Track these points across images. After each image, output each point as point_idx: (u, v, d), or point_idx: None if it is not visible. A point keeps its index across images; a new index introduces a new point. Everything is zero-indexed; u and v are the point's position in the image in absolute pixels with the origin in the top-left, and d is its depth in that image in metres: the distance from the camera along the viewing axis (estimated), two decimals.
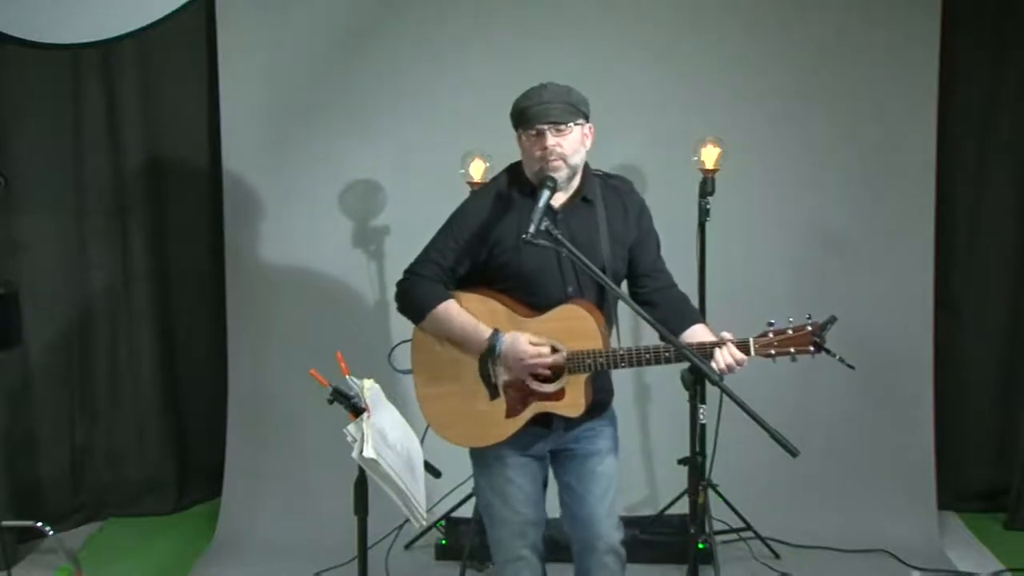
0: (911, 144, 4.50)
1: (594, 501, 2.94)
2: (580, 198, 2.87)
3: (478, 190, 2.99)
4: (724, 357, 2.71)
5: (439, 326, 2.87)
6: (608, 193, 2.91)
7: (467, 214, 2.90)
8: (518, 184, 2.88)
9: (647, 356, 2.75)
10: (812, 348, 2.71)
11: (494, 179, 3.00)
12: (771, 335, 2.73)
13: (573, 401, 2.83)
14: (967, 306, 4.69)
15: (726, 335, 2.75)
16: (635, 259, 2.93)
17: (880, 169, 4.53)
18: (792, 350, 2.72)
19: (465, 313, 2.85)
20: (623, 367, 2.80)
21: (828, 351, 2.71)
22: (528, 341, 2.80)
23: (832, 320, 2.71)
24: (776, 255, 4.55)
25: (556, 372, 2.83)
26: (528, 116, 2.78)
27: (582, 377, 2.82)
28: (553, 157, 2.77)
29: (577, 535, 2.99)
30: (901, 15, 4.45)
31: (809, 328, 2.72)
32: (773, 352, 2.73)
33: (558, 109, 2.77)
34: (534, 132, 2.78)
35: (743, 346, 2.73)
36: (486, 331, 2.82)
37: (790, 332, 2.72)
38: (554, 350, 2.81)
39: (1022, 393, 4.63)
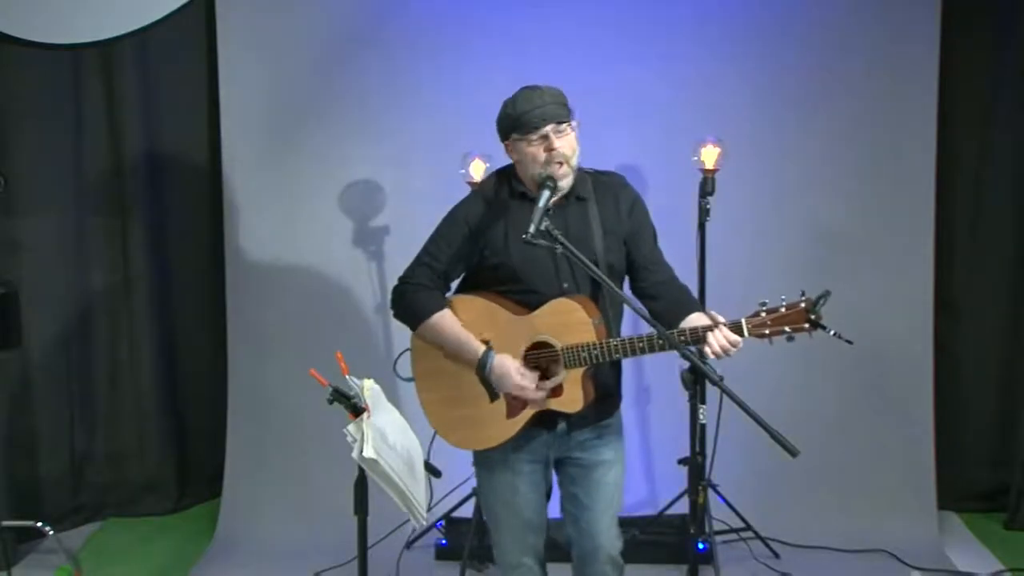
0: (911, 144, 4.50)
1: (598, 512, 2.94)
2: (574, 196, 2.87)
3: (467, 195, 3.00)
4: (717, 339, 2.65)
5: (433, 335, 2.88)
6: (600, 189, 2.91)
7: (456, 218, 2.90)
8: (508, 187, 2.89)
9: (641, 345, 2.72)
10: (807, 325, 2.62)
11: (481, 183, 3.01)
12: (764, 314, 2.67)
13: (571, 397, 2.82)
14: (967, 306, 4.68)
15: (718, 317, 2.69)
16: (631, 251, 2.91)
17: (880, 169, 4.52)
18: (787, 329, 2.64)
19: (458, 325, 2.86)
20: (618, 357, 2.78)
21: (824, 327, 2.62)
22: (517, 371, 2.81)
23: (826, 294, 2.62)
24: (776, 255, 4.55)
25: (552, 369, 2.83)
26: (527, 120, 2.76)
27: (579, 372, 2.81)
28: (559, 160, 2.76)
29: (579, 544, 2.99)
30: (901, 15, 4.45)
31: (803, 305, 2.64)
32: (767, 332, 2.65)
33: (554, 108, 2.77)
34: (536, 137, 2.77)
35: (736, 327, 2.67)
36: (477, 349, 2.83)
37: (783, 310, 2.65)
38: (544, 375, 2.82)
39: (1022, 393, 4.62)
